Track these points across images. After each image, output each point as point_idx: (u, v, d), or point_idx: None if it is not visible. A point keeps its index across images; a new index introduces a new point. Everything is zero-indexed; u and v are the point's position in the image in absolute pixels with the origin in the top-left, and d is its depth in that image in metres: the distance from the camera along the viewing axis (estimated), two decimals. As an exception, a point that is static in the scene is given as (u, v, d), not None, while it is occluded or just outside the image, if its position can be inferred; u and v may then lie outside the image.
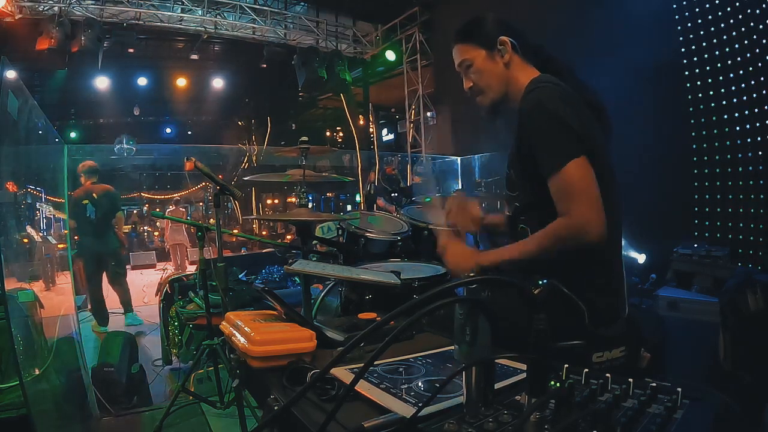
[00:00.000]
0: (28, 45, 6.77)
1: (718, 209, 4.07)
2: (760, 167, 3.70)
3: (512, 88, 1.31)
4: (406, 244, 2.25)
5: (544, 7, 4.96)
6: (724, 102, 3.98)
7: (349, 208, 14.06)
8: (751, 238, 3.78)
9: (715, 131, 4.09)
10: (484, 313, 0.78)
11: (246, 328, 0.97)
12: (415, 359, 0.93)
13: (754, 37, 3.69)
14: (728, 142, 3.97)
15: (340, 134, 15.48)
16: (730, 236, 3.92)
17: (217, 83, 11.16)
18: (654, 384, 0.65)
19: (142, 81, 10.65)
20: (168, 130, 14.14)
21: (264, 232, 12.55)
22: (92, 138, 12.19)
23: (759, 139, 3.72)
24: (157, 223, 12.10)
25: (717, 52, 4.00)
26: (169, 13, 8.01)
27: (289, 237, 10.44)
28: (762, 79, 3.65)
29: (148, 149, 12.11)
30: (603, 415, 0.56)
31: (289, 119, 14.47)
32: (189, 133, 14.83)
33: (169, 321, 3.46)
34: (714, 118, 4.06)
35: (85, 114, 12.53)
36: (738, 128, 3.88)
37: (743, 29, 3.78)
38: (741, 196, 3.87)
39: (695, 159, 4.25)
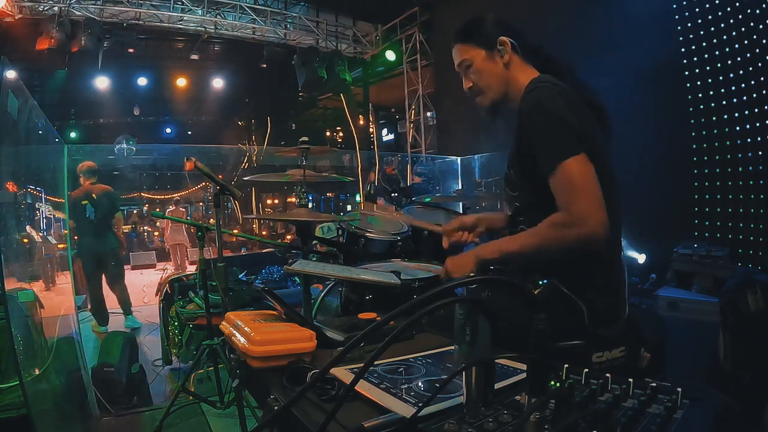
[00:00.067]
0: (28, 45, 6.77)
1: (718, 209, 4.07)
2: (760, 167, 3.70)
3: (512, 88, 1.31)
4: (406, 244, 2.25)
5: (544, 7, 4.96)
6: (724, 102, 3.98)
7: (349, 208, 14.05)
8: (751, 238, 3.78)
9: (715, 131, 4.08)
10: (484, 313, 0.78)
11: (246, 328, 0.97)
12: (415, 359, 0.93)
13: (754, 37, 3.69)
14: (728, 142, 3.96)
15: (340, 134, 15.48)
16: (730, 236, 3.92)
17: (217, 83, 11.16)
18: (654, 384, 0.65)
19: (142, 81, 10.65)
20: (168, 130, 14.15)
21: (264, 232, 12.55)
22: (92, 138, 12.20)
23: (759, 139, 3.72)
24: (157, 223, 12.10)
25: (717, 52, 4.00)
26: (169, 13, 8.01)
27: (289, 237, 10.44)
28: (762, 79, 3.65)
29: (148, 149, 12.10)
30: (603, 415, 0.56)
31: (289, 119, 14.47)
32: (189, 133, 14.84)
33: (169, 321, 3.46)
34: (714, 118, 4.06)
35: (85, 114, 12.54)
36: (738, 128, 3.88)
37: (743, 29, 3.78)
38: (741, 196, 3.87)
39: (695, 159, 4.25)
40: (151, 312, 4.91)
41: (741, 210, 3.87)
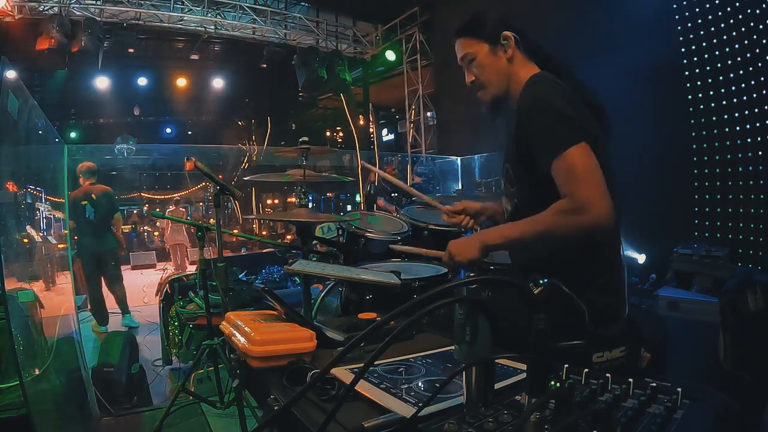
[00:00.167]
0: (28, 45, 6.77)
1: (718, 209, 4.07)
2: (760, 167, 3.70)
3: (513, 83, 1.31)
4: (406, 244, 2.24)
5: (544, 7, 4.96)
6: (724, 102, 3.98)
7: (349, 208, 14.05)
8: (751, 238, 3.78)
9: (715, 131, 4.08)
10: (484, 313, 0.78)
11: (246, 328, 0.97)
12: (415, 359, 0.93)
13: (754, 37, 3.69)
14: (728, 142, 3.96)
15: (340, 134, 15.48)
16: (730, 236, 3.92)
17: (217, 83, 11.16)
18: (654, 384, 0.65)
19: (142, 81, 10.65)
20: (168, 130, 14.15)
21: (264, 232, 12.55)
22: (92, 138, 12.20)
23: (759, 139, 3.72)
24: (157, 223, 12.09)
25: (717, 52, 4.00)
26: (169, 13, 8.01)
27: (289, 237, 10.44)
28: (762, 79, 3.65)
29: (148, 149, 12.11)
30: (603, 415, 0.56)
31: (289, 119, 14.47)
32: (189, 133, 14.84)
33: (169, 321, 3.46)
34: (714, 118, 4.06)
35: (85, 114, 12.54)
36: (738, 128, 3.88)
37: (743, 29, 3.78)
38: (741, 196, 3.87)
39: (695, 159, 4.25)
40: (151, 312, 4.91)
41: (741, 210, 3.87)
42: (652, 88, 4.15)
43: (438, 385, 0.69)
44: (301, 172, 1.82)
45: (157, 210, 12.01)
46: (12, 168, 2.78)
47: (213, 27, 8.55)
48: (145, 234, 12.71)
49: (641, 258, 4.21)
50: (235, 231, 10.36)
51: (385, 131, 13.79)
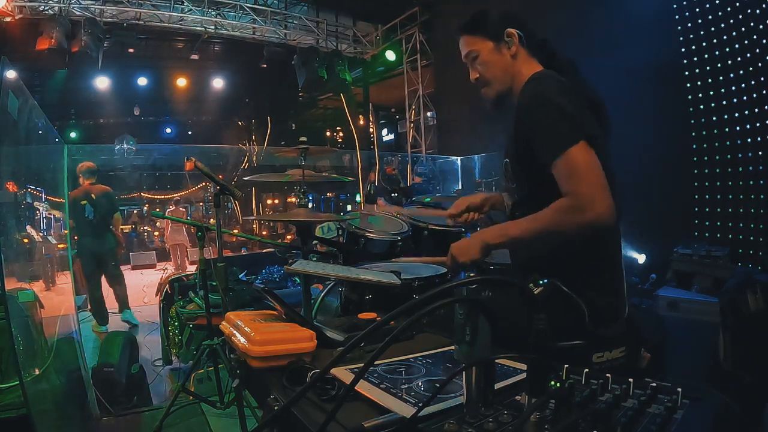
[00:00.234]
0: (28, 45, 6.77)
1: (718, 209, 4.07)
2: (760, 167, 3.70)
3: (517, 80, 1.31)
4: (406, 244, 2.25)
5: (544, 7, 4.95)
6: (724, 102, 3.98)
7: (349, 208, 14.06)
8: (751, 238, 3.78)
9: (715, 131, 4.08)
10: (484, 313, 0.78)
11: (246, 328, 0.97)
12: (415, 359, 0.93)
13: (754, 37, 3.69)
14: (728, 142, 3.96)
15: (340, 134, 15.48)
16: (730, 236, 3.92)
17: (217, 83, 11.16)
18: (654, 384, 0.65)
19: (142, 81, 10.66)
20: (168, 130, 14.16)
21: (264, 232, 12.54)
22: (92, 138, 12.20)
23: (759, 139, 3.71)
24: (157, 223, 12.09)
25: (717, 52, 4.00)
26: (169, 13, 8.01)
27: (289, 237, 10.44)
28: (762, 79, 3.65)
29: (148, 149, 12.11)
30: (603, 415, 0.56)
31: (289, 119, 14.47)
32: (189, 133, 14.84)
33: (169, 321, 3.46)
34: (714, 118, 4.06)
35: (85, 114, 12.54)
36: (738, 128, 3.88)
37: (743, 29, 3.78)
38: (741, 196, 3.87)
39: (695, 159, 4.25)
40: (151, 312, 4.91)
41: (741, 210, 3.87)
42: (652, 88, 4.15)
43: (438, 385, 0.69)
44: (301, 172, 1.82)
45: (157, 210, 12.01)
46: (12, 168, 2.78)
47: (213, 27, 8.55)
48: (145, 234, 12.70)
49: (641, 258, 4.21)
50: (235, 231, 10.36)
51: (385, 131, 13.79)
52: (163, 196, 13.42)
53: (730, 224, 3.95)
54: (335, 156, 10.34)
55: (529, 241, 1.16)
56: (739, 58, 3.83)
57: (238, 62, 11.10)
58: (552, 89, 1.16)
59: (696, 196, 4.24)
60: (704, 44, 4.09)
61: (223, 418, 2.57)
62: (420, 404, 0.64)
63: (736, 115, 3.88)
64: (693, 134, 4.24)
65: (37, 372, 2.12)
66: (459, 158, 8.76)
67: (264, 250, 6.81)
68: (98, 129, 12.93)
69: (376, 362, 0.86)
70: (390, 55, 9.39)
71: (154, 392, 3.11)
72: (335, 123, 14.97)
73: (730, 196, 3.96)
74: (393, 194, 5.43)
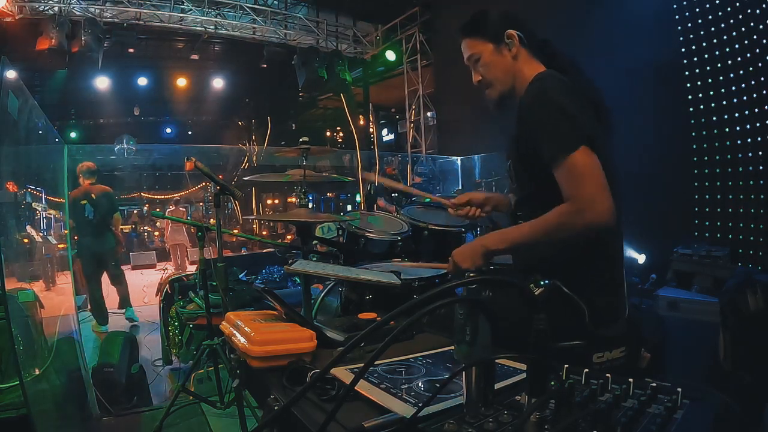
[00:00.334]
0: (28, 45, 6.77)
1: (718, 209, 4.07)
2: (760, 167, 3.69)
3: (519, 81, 1.31)
4: (406, 244, 2.25)
5: (544, 7, 4.95)
6: (724, 102, 3.98)
7: (349, 208, 14.05)
8: (751, 238, 3.78)
9: (715, 131, 4.08)
10: (484, 313, 0.78)
11: (246, 328, 0.97)
12: (415, 359, 0.93)
13: (754, 37, 3.69)
14: (728, 142, 3.96)
15: (340, 134, 15.48)
16: (730, 236, 3.92)
17: (217, 83, 11.17)
18: (654, 384, 0.65)
19: (142, 81, 10.66)
20: (168, 130, 14.16)
21: (264, 232, 12.54)
22: (92, 138, 12.20)
23: (759, 139, 3.71)
24: (158, 223, 12.09)
25: (717, 52, 4.00)
26: (169, 13, 8.01)
27: (289, 237, 10.44)
28: (762, 79, 3.64)
29: (148, 149, 12.11)
30: (603, 415, 0.56)
31: (289, 119, 14.48)
32: (189, 133, 14.85)
33: (169, 321, 3.46)
34: (714, 118, 4.06)
35: (85, 114, 12.55)
36: (738, 128, 3.87)
37: (743, 29, 3.78)
38: (741, 196, 3.87)
39: (695, 159, 4.24)
40: (151, 312, 4.91)
41: (741, 210, 3.87)
42: (652, 88, 4.16)
43: (438, 385, 0.69)
44: (301, 172, 1.82)
45: (157, 210, 12.01)
46: (12, 168, 2.78)
47: (213, 27, 8.55)
48: (145, 234, 12.70)
49: (641, 258, 4.21)
50: (235, 231, 10.35)
51: (385, 131, 13.79)
52: (163, 196, 13.42)
53: (730, 224, 3.95)
54: (335, 156, 10.34)
55: (531, 245, 1.17)
56: (739, 58, 3.83)
57: (238, 62, 11.11)
58: (554, 88, 1.16)
59: (696, 196, 4.24)
60: (704, 44, 4.09)
61: (223, 418, 2.57)
62: (420, 404, 0.64)
63: (736, 115, 3.88)
64: (693, 134, 4.24)
65: (37, 372, 2.12)
66: (459, 158, 8.76)
67: (264, 250, 6.80)
68: (98, 129, 12.93)
69: (376, 362, 0.86)
70: (390, 55, 9.39)
71: (154, 392, 3.11)
72: (335, 123, 14.97)
73: (730, 196, 3.96)
74: (393, 194, 5.43)
